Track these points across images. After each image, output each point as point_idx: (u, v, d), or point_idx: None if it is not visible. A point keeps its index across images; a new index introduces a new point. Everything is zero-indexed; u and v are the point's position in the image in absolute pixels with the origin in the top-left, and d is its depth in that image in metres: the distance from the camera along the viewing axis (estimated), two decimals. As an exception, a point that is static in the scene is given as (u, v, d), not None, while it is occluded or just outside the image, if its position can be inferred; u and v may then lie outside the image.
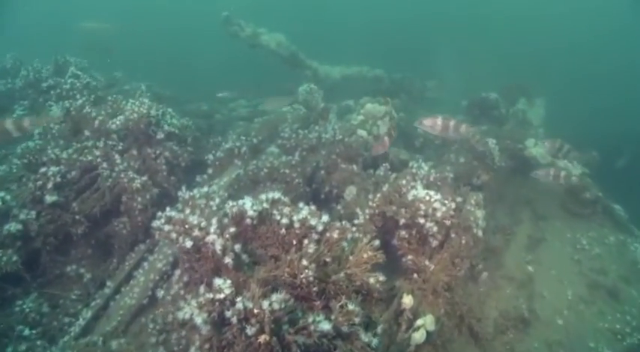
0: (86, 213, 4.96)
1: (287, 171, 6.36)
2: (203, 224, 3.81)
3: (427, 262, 4.62)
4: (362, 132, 7.39)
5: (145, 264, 5.27)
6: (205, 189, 4.87)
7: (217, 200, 4.90)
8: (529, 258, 6.70)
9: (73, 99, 5.78)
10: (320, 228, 3.82)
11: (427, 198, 4.63)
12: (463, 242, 5.04)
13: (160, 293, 4.30)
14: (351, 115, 8.61)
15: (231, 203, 4.22)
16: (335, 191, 6.24)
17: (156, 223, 4.14)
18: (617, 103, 17.38)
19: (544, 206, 7.76)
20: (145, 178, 5.34)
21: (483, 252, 6.44)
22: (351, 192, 6.14)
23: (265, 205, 4.07)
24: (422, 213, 4.46)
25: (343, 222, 4.07)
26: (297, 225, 3.80)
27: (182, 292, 4.20)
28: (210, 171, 6.38)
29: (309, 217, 3.86)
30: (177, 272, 4.52)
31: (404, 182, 5.14)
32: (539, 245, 6.98)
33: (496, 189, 7.84)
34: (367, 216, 5.01)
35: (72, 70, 6.51)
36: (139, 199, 5.22)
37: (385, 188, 5.25)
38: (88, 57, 7.88)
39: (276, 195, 4.20)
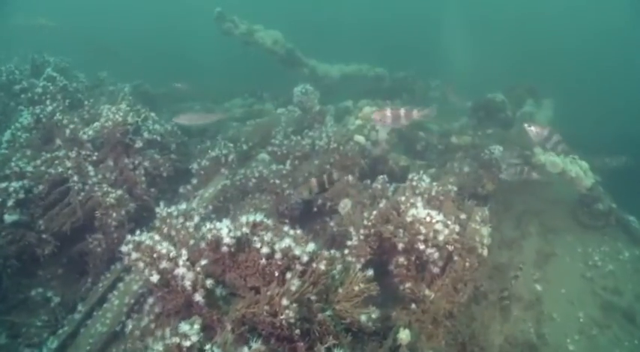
0: (54, 231, 4.53)
1: (277, 181, 5.91)
2: (172, 254, 3.38)
3: (427, 291, 4.18)
4: (359, 138, 6.92)
5: (121, 284, 4.85)
6: (183, 206, 4.44)
7: (196, 219, 4.47)
8: (537, 275, 6.25)
9: (45, 104, 5.32)
10: (305, 259, 3.37)
11: (428, 219, 4.18)
12: (467, 265, 4.60)
13: (129, 325, 3.88)
14: (348, 119, 8.13)
15: (208, 225, 3.79)
16: (328, 204, 5.79)
17: (124, 248, 3.72)
18: (629, 104, 16.77)
19: (553, 217, 7.29)
20: (120, 192, 4.90)
21: (488, 270, 6.01)
22: (345, 205, 5.68)
23: (245, 230, 3.62)
24: (422, 237, 4.00)
25: (332, 252, 3.60)
26: (278, 256, 3.35)
27: (152, 325, 3.78)
28: (194, 181, 5.94)
29: (292, 246, 3.42)
30: (151, 299, 4.11)
31: (402, 198, 4.68)
32: (548, 261, 6.52)
33: (502, 199, 7.38)
34: (362, 237, 4.56)
35: (48, 71, 6.06)
36: (114, 215, 4.79)
37: (382, 204, 4.80)
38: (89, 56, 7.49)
39: (258, 217, 3.75)
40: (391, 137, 7.38)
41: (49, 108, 5.26)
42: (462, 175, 6.53)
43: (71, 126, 5.13)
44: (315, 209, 5.90)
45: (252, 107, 11.69)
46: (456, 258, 4.50)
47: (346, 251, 4.47)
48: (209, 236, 3.58)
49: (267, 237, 3.49)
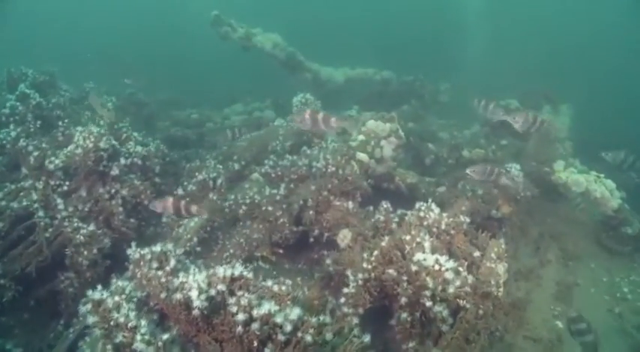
0: (16, 273, 4.06)
1: (270, 208, 5.37)
2: (131, 324, 2.86)
3: (434, 350, 3.61)
4: (362, 157, 6.34)
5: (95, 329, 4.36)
6: (158, 248, 3.93)
7: (172, 263, 3.95)
8: (558, 310, 5.63)
9: (9, 129, 4.83)
10: (288, 328, 2.83)
11: (436, 267, 3.60)
12: (480, 312, 4.01)
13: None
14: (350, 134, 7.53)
15: (179, 279, 3.27)
16: (326, 235, 5.23)
17: (82, 308, 3.24)
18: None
19: (575, 242, 6.65)
20: (92, 228, 4.40)
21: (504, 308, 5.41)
22: (345, 236, 5.12)
23: (220, 287, 3.09)
24: (428, 293, 3.43)
25: (321, 318, 3.04)
26: (256, 326, 2.82)
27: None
28: (179, 208, 5.41)
29: (273, 312, 2.88)
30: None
31: (408, 237, 4.11)
32: (569, 293, 5.89)
33: (518, 221, 6.75)
34: (360, 282, 4.00)
35: (22, 87, 5.56)
36: (85, 253, 4.30)
37: (385, 242, 4.23)
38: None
39: (237, 270, 3.23)
40: (397, 153, 6.79)
41: (13, 133, 4.77)
42: (475, 198, 5.92)
43: (35, 153, 4.63)
44: (312, 239, 5.35)
45: (251, 114, 11.17)
46: (468, 305, 3.93)
47: (342, 299, 3.92)
48: (178, 296, 3.06)
49: (245, 300, 2.96)
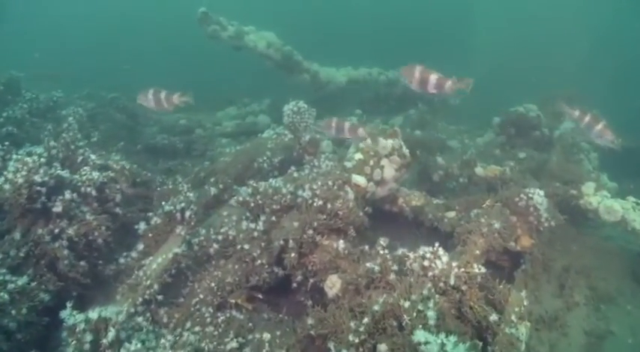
0: None
1: (246, 246, 4.55)
2: None
3: None
4: (359, 180, 5.46)
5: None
6: (94, 314, 3.16)
7: (111, 334, 3.17)
8: (589, 367, 4.75)
9: None
10: None
11: (442, 354, 2.75)
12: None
13: None
14: (348, 149, 6.65)
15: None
16: (311, 281, 4.40)
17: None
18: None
19: (607, 278, 5.70)
20: (25, 279, 3.63)
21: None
22: (333, 284, 4.29)
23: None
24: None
25: None
26: None
27: None
28: (140, 246, 4.61)
29: None
30: None
31: (407, 304, 3.26)
32: (601, 344, 5.00)
33: (539, 253, 5.83)
34: (346, 359, 3.17)
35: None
36: (13, 312, 3.52)
37: (378, 306, 3.39)
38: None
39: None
40: (401, 174, 5.91)
41: None
42: (491, 232, 5.01)
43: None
44: (295, 284, 4.51)
45: (244, 120, 10.34)
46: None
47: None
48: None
49: None
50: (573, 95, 9.56)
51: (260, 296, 4.74)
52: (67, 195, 4.17)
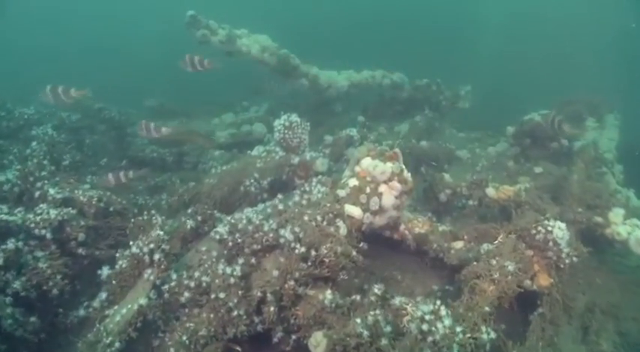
0: None
1: (222, 295, 3.99)
2: None
3: None
4: (353, 211, 4.84)
5: None
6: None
7: None
8: None
9: None
10: None
11: None
12: None
13: None
14: (345, 167, 6.04)
15: None
16: (293, 337, 3.84)
17: None
18: None
19: (638, 318, 5.04)
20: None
21: None
22: (318, 343, 3.71)
23: None
24: None
25: None
26: None
27: None
28: (103, 295, 4.09)
29: None
30: None
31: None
32: (633, 401, 4.36)
33: (558, 290, 5.17)
34: None
35: None
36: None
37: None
38: None
39: None
40: (402, 201, 5.26)
41: None
42: (504, 275, 4.36)
43: None
44: (276, 339, 3.95)
45: (240, 129, 9.77)
46: None
47: None
48: None
49: None
50: (593, 99, 8.80)
51: (238, 348, 4.21)
52: (11, 244, 3.66)
